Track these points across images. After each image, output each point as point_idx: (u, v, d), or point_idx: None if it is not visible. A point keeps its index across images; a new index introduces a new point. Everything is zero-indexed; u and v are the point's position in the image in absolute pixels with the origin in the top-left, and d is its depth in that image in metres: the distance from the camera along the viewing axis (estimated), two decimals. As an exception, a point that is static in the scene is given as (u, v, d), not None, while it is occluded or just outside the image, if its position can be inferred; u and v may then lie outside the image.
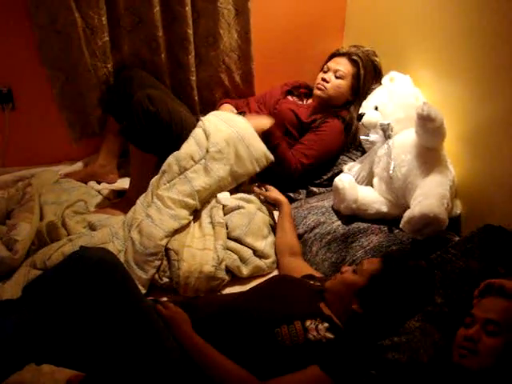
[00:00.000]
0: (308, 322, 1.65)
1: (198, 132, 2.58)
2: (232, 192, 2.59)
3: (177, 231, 2.35)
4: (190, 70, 2.94)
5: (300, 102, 2.99)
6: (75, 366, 1.63)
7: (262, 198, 2.61)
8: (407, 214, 2.12)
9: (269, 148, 2.61)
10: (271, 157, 2.64)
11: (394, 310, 1.74)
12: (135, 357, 1.57)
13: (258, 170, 2.62)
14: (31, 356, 1.50)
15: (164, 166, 2.50)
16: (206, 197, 2.51)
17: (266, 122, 2.68)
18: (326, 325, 1.66)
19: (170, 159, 2.50)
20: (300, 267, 2.20)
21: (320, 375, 1.57)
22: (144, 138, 2.52)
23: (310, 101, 3.00)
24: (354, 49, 2.86)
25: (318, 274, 2.12)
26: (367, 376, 1.62)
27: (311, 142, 2.80)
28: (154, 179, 2.50)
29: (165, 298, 2.16)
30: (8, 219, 2.40)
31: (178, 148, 2.54)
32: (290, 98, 3.00)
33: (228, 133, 2.55)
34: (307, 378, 1.57)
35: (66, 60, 2.66)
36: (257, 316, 1.70)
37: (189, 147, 2.53)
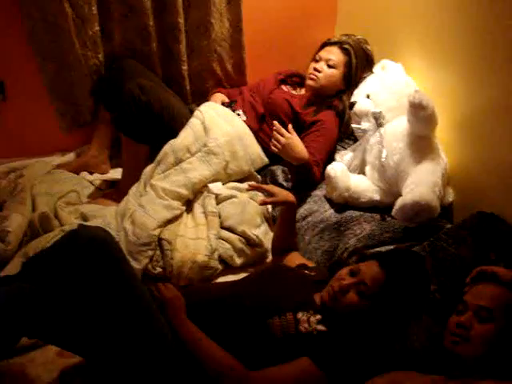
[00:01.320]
0: (300, 314, 1.66)
1: (195, 123, 2.59)
2: (224, 181, 2.60)
3: (169, 221, 2.36)
4: (182, 59, 2.93)
5: (294, 92, 2.97)
6: (65, 344, 1.64)
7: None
8: (399, 202, 2.12)
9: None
10: (266, 159, 2.71)
11: (399, 308, 1.67)
12: (126, 337, 1.57)
13: (252, 170, 2.69)
14: (23, 327, 1.51)
15: (159, 156, 2.50)
16: (200, 188, 2.52)
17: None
18: (319, 317, 1.66)
19: (167, 149, 2.50)
20: (293, 258, 2.18)
21: (310, 367, 1.56)
22: (135, 127, 2.52)
23: (302, 90, 2.99)
24: (345, 37, 2.85)
25: (311, 264, 2.11)
26: (358, 367, 1.62)
27: (320, 145, 2.67)
28: (147, 168, 2.50)
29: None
30: (0, 211, 2.39)
31: (169, 138, 2.54)
32: (284, 87, 2.99)
33: (228, 131, 2.61)
34: (297, 369, 1.57)
35: (57, 50, 2.64)
36: (249, 306, 1.70)
37: (186, 139, 2.53)
